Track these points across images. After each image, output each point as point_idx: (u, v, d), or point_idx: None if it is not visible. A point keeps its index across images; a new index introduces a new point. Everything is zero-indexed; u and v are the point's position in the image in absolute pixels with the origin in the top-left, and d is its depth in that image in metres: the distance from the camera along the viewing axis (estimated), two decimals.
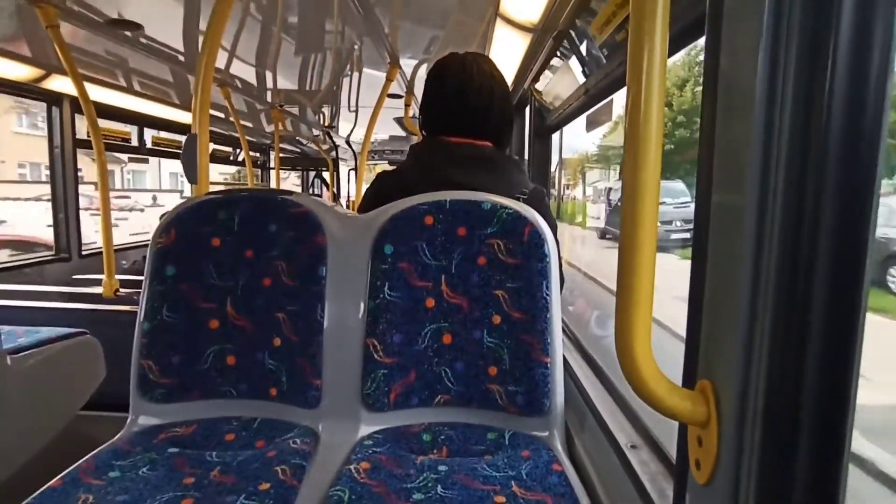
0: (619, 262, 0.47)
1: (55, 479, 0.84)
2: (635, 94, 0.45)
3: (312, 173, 7.77)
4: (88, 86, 2.27)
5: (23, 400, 1.35)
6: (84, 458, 0.91)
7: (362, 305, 1.10)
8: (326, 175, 7.11)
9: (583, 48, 1.53)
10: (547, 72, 1.97)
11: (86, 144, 2.99)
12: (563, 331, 1.18)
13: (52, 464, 0.94)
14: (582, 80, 1.60)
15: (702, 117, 0.51)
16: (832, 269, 0.40)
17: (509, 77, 2.27)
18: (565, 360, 1.15)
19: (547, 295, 1.06)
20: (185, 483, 0.84)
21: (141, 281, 1.15)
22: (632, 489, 0.76)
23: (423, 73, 2.85)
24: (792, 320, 0.41)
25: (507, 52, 2.03)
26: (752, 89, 0.42)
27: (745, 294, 0.43)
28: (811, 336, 0.40)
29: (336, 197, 6.63)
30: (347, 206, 5.41)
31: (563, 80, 1.83)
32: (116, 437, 1.02)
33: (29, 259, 2.94)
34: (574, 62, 1.63)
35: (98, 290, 2.28)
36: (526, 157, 2.42)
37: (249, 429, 1.06)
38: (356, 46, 2.42)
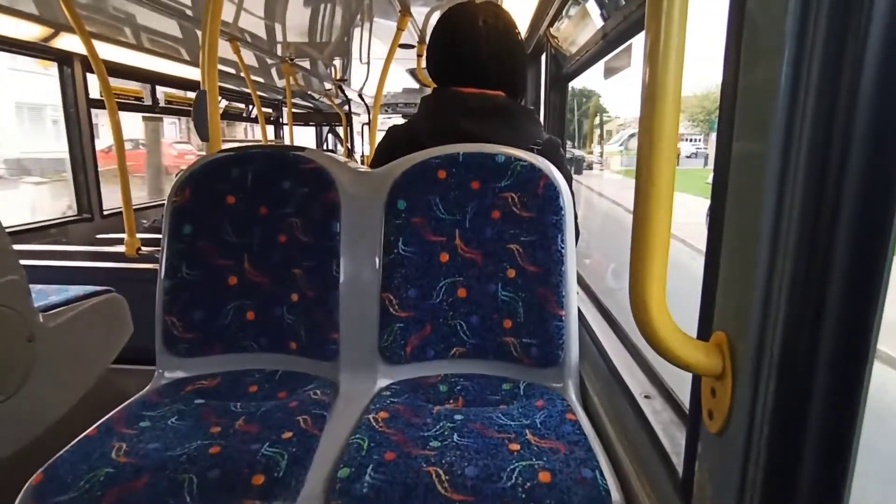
0: (634, 213, 0.46)
1: (91, 429, 0.89)
2: (654, 36, 0.43)
3: (326, 129, 7.70)
4: (98, 44, 2.24)
5: (56, 355, 1.41)
6: (116, 410, 0.96)
7: (377, 260, 1.10)
8: (340, 130, 7.03)
9: None
10: (564, 16, 1.88)
11: (100, 105, 2.98)
12: (578, 283, 1.18)
13: (86, 415, 0.99)
14: (600, 23, 1.53)
15: (725, 60, 0.48)
16: (857, 221, 0.38)
17: (524, 23, 2.17)
18: (580, 313, 1.16)
19: (562, 248, 1.05)
20: (212, 432, 0.88)
21: (161, 239, 1.17)
22: (644, 438, 0.77)
23: (435, 21, 2.74)
24: (812, 273, 0.40)
25: None
26: (782, 26, 0.39)
27: (764, 246, 0.42)
28: (831, 289, 0.39)
29: (350, 152, 6.58)
30: (361, 162, 5.38)
31: (580, 25, 1.75)
32: (145, 389, 1.07)
33: (53, 220, 3.01)
34: (592, 5, 1.55)
35: (121, 248, 2.33)
36: (542, 107, 2.35)
37: (271, 381, 1.09)
38: None
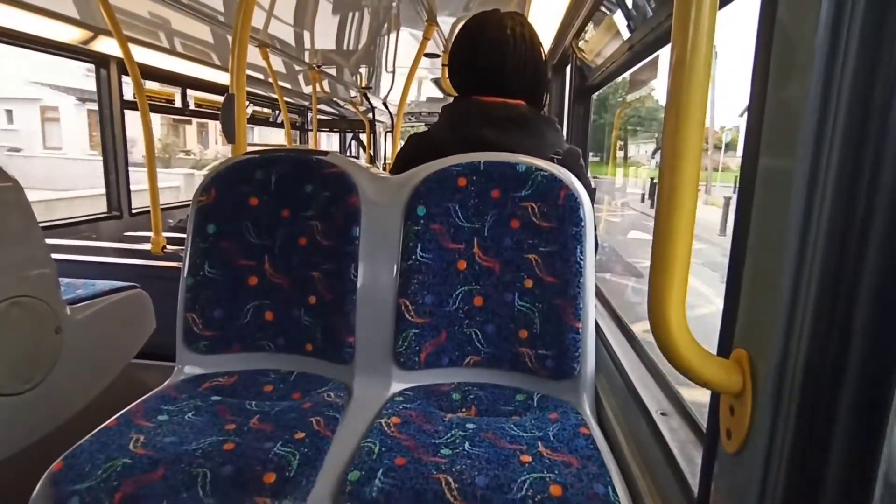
0: (655, 226, 0.45)
1: (111, 420, 0.91)
2: (681, 47, 0.42)
3: (349, 136, 7.79)
4: (133, 47, 2.32)
5: (82, 347, 1.45)
6: (135, 403, 0.97)
7: (395, 266, 1.11)
8: (363, 137, 7.11)
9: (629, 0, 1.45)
10: (590, 27, 1.88)
11: (132, 106, 3.07)
12: (596, 296, 1.17)
13: (108, 406, 1.01)
14: (627, 35, 1.52)
15: (753, 73, 0.47)
16: (887, 239, 0.37)
17: (550, 33, 2.18)
18: (598, 326, 1.14)
19: (581, 259, 1.04)
20: (227, 429, 0.89)
21: (185, 238, 1.19)
22: (660, 455, 0.76)
23: None
24: (839, 291, 0.39)
25: (548, 7, 1.94)
26: (813, 41, 0.39)
27: (789, 263, 0.41)
28: (858, 308, 0.38)
29: (373, 159, 6.64)
30: (383, 168, 5.42)
31: (606, 36, 1.75)
32: (164, 384, 1.09)
33: (84, 217, 3.10)
34: (619, 16, 1.55)
35: (147, 246, 2.39)
36: (566, 118, 2.35)
37: (286, 381, 1.10)
38: (394, 3, 2.37)
